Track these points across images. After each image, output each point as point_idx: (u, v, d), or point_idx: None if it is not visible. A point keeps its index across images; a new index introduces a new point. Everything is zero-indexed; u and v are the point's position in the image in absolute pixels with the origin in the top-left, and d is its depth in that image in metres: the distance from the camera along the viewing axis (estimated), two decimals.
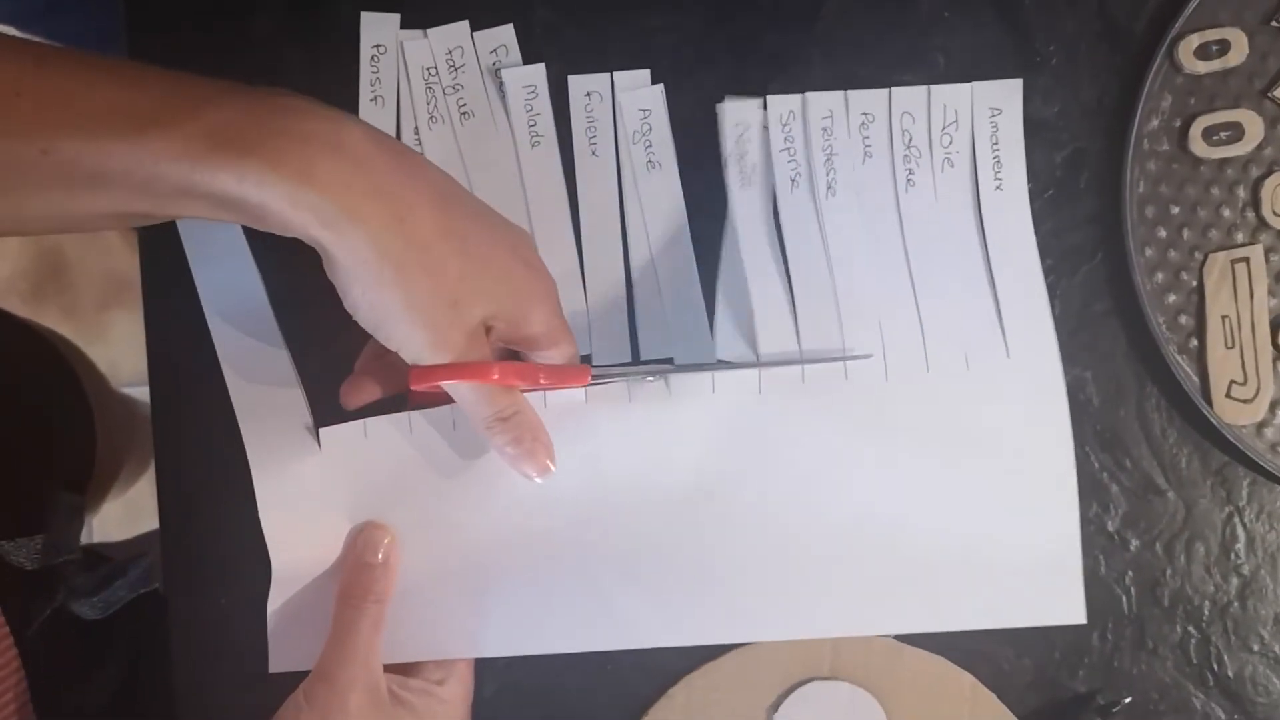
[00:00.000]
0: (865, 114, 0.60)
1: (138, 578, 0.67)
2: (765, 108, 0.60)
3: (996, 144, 0.60)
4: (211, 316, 0.56)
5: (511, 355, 0.54)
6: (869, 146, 0.60)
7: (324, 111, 0.43)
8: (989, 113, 0.60)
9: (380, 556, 0.54)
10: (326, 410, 0.56)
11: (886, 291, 0.59)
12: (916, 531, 0.57)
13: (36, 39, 0.83)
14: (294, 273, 0.56)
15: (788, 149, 0.60)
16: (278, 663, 0.56)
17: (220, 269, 0.56)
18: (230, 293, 0.56)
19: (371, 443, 0.55)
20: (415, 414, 0.55)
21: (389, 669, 0.54)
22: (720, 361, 0.58)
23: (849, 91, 0.60)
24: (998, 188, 0.60)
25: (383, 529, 0.55)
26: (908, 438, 0.58)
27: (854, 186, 0.59)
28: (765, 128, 0.60)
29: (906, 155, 0.60)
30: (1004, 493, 0.58)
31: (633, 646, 0.57)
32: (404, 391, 0.54)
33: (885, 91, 0.60)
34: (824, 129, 0.60)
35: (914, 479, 0.58)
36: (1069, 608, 0.58)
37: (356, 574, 0.54)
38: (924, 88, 0.60)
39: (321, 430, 0.56)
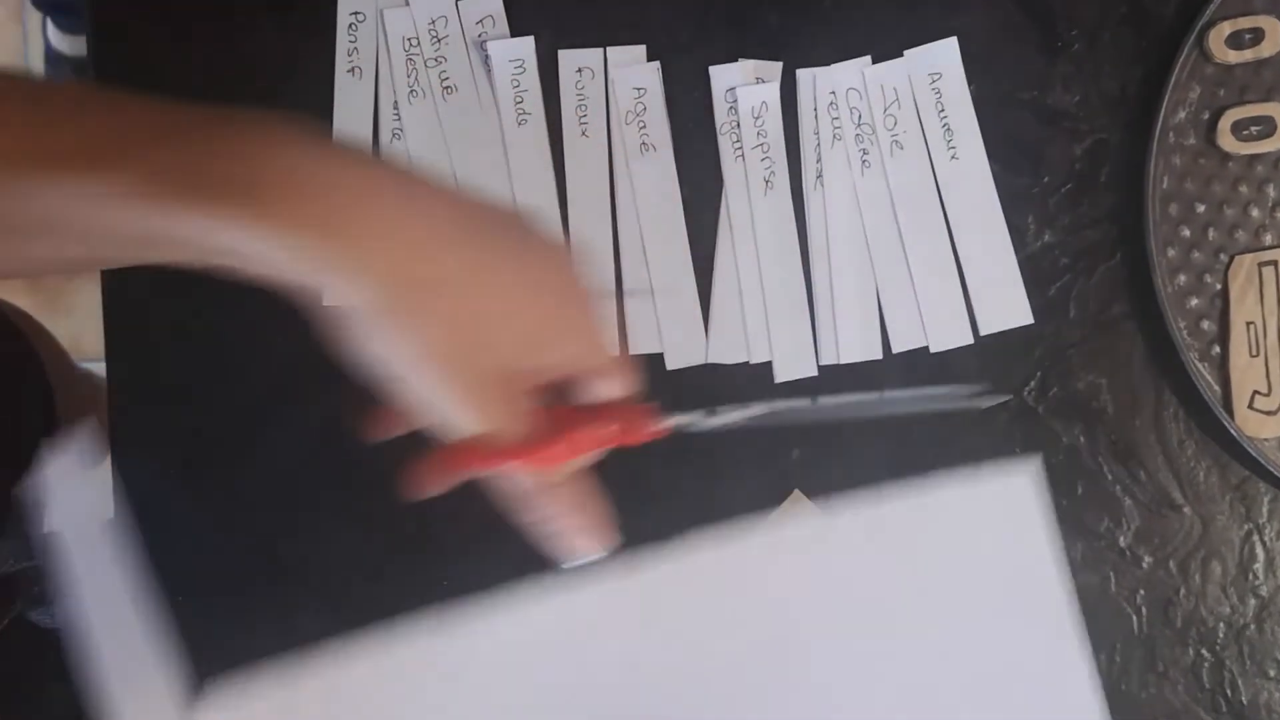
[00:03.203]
0: (833, 92, 0.58)
1: None
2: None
3: (943, 111, 0.57)
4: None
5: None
6: (838, 129, 0.58)
7: (312, 141, 0.38)
8: (928, 79, 0.57)
9: None
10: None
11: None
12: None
13: None
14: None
15: (761, 145, 0.58)
16: None
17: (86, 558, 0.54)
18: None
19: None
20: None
21: None
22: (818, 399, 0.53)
23: (799, 71, 0.58)
24: (953, 157, 0.57)
25: None
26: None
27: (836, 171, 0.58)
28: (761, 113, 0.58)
29: (858, 135, 0.58)
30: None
31: None
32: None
33: (810, 73, 0.58)
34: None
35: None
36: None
37: None
38: (859, 70, 0.58)
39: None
